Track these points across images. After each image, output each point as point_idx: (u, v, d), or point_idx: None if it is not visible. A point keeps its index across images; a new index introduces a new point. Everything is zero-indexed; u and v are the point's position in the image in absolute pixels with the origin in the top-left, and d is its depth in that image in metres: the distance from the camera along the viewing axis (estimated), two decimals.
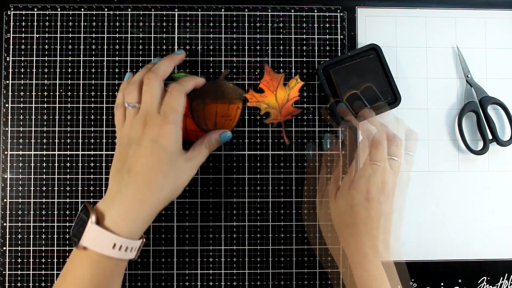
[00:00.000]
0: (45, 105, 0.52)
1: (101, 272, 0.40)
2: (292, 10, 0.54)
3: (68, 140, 0.52)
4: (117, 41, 0.53)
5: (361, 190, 0.45)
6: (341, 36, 0.54)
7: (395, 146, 0.47)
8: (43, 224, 0.52)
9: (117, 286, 0.42)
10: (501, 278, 0.53)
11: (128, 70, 0.53)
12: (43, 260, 0.51)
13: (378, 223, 0.44)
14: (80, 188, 0.52)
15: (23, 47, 0.53)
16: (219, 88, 0.51)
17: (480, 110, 0.53)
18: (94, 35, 0.53)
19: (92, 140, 0.52)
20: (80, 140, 0.52)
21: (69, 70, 0.53)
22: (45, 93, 0.52)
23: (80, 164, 0.52)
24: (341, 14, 0.54)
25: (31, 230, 0.52)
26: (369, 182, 0.45)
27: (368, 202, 0.45)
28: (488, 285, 0.53)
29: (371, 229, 0.44)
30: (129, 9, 0.53)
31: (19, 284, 0.51)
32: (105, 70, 0.53)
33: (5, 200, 0.52)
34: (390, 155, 0.46)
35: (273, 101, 0.52)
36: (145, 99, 0.44)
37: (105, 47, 0.53)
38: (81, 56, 0.53)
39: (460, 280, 0.52)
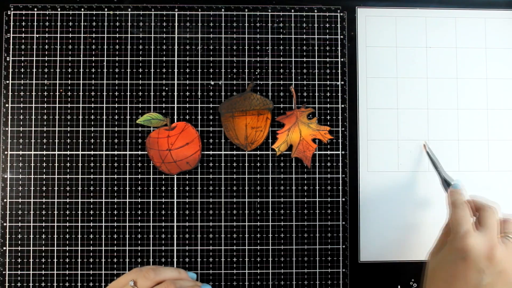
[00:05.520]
0: (45, 105, 0.52)
1: None
2: (292, 10, 0.54)
3: (68, 140, 0.52)
4: (117, 41, 0.53)
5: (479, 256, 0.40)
6: (341, 36, 0.54)
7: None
8: (43, 224, 0.52)
9: None
10: None
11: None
12: (43, 260, 0.51)
13: None
14: (80, 188, 0.52)
15: (23, 47, 0.53)
16: (246, 100, 0.52)
17: None
18: (94, 35, 0.53)
19: (92, 140, 0.52)
20: (80, 140, 0.52)
21: (69, 70, 0.53)
22: (45, 93, 0.52)
23: (80, 164, 0.52)
24: (341, 14, 0.54)
25: (31, 230, 0.52)
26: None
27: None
28: None
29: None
30: (129, 9, 0.53)
31: (19, 284, 0.51)
32: (105, 70, 0.53)
33: (5, 200, 0.52)
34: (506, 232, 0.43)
35: (297, 136, 0.53)
36: None
37: (105, 47, 0.53)
38: (81, 56, 0.53)
39: None
